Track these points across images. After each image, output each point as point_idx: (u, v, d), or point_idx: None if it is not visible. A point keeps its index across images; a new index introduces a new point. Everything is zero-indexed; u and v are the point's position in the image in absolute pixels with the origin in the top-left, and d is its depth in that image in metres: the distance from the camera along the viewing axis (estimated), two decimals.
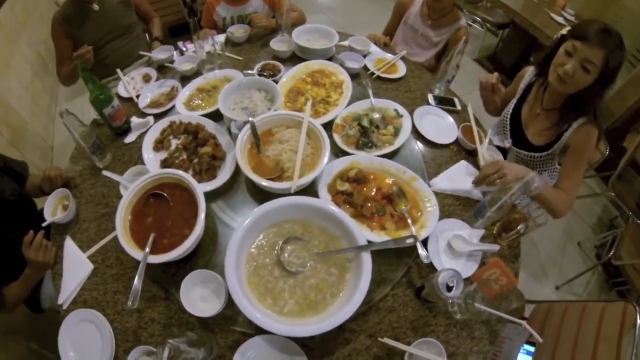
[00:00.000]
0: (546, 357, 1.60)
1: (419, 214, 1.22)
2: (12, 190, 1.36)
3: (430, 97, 1.61)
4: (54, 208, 1.30)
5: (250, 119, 1.23)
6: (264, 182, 1.13)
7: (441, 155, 1.44)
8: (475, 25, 3.74)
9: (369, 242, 1.06)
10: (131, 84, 1.67)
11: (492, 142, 1.50)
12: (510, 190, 1.20)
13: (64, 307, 1.14)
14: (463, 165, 1.40)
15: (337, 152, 1.33)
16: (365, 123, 1.38)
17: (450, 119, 1.54)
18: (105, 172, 1.27)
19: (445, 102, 1.60)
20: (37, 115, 2.84)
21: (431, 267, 1.21)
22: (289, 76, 1.60)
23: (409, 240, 1.06)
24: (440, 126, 1.50)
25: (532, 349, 1.62)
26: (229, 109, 1.34)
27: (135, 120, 1.47)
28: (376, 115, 1.42)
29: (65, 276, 1.18)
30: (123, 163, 1.40)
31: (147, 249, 1.04)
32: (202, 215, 1.06)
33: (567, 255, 2.38)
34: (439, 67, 1.73)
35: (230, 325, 1.07)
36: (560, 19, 2.99)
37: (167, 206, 1.15)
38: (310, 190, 1.24)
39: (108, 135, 1.49)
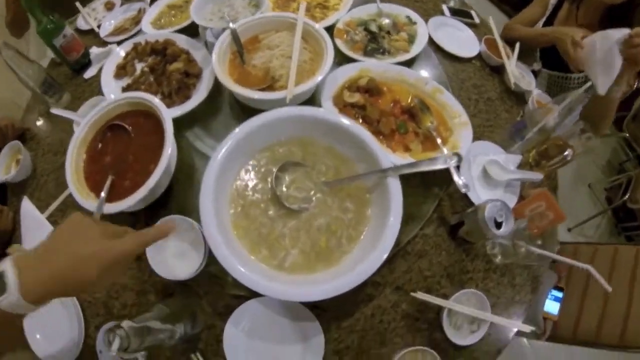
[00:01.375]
0: (575, 303, 1.25)
1: (447, 133, 0.79)
2: None
3: (444, 8, 1.13)
4: (6, 167, 0.89)
5: (231, 25, 0.79)
6: (251, 94, 0.70)
7: (463, 70, 0.99)
8: None
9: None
10: (92, 15, 1.18)
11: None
12: (553, 110, 0.81)
13: None
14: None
15: (341, 60, 0.88)
16: (373, 28, 0.93)
17: (469, 31, 1.08)
18: (54, 110, 0.85)
19: (461, 14, 1.13)
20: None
21: (465, 200, 0.82)
22: None
23: (451, 161, 0.67)
24: (459, 39, 1.04)
25: (560, 294, 1.27)
26: (206, 19, 0.89)
27: (95, 50, 1.03)
28: (386, 21, 0.96)
29: (24, 244, 0.79)
30: (83, 102, 0.95)
31: (103, 195, 0.64)
32: (169, 138, 0.65)
33: (578, 197, 1.96)
34: None
35: (218, 286, 0.68)
36: None
37: (128, 139, 0.73)
38: (310, 104, 0.79)
39: (66, 74, 1.05)
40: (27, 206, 0.85)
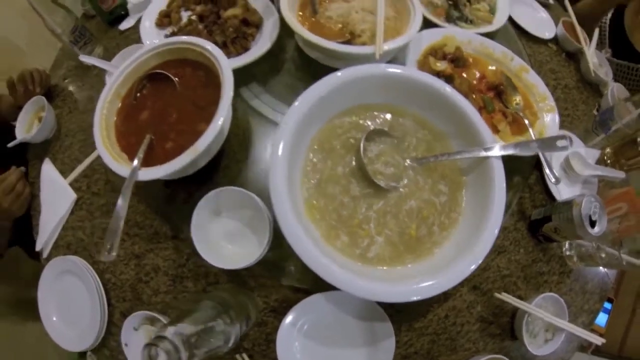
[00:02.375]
0: (624, 316, 1.21)
1: (533, 117, 0.69)
2: None
3: None
4: (28, 125, 0.77)
5: None
6: (333, 45, 0.57)
7: (540, 52, 0.88)
8: None
9: None
10: None
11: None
12: None
13: (44, 254, 0.65)
14: None
15: (422, 24, 0.69)
16: None
17: (544, 12, 0.97)
18: (83, 57, 0.73)
19: None
20: None
21: (545, 194, 0.72)
22: None
23: (562, 143, 0.59)
24: (534, 19, 0.94)
25: (608, 305, 1.23)
26: None
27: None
28: None
29: (44, 213, 0.69)
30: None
31: (137, 161, 0.51)
32: (228, 93, 0.52)
33: None
34: None
35: (274, 276, 0.56)
36: None
37: (171, 92, 0.59)
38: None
39: (100, 26, 0.91)
40: (48, 170, 0.73)
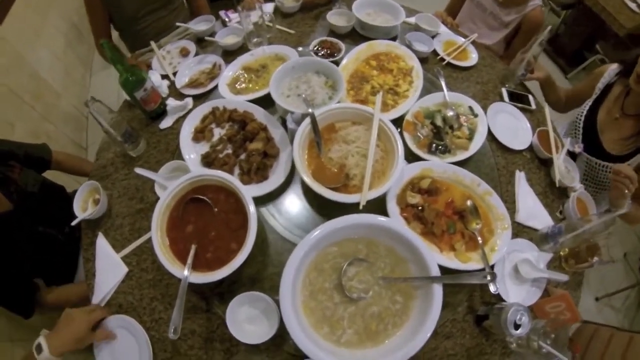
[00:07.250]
0: None
1: (489, 234, 1.05)
2: (34, 182, 1.24)
3: (504, 92, 1.38)
4: (83, 202, 1.16)
5: (311, 110, 1.03)
6: (329, 194, 0.95)
7: (513, 162, 1.24)
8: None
9: (440, 267, 0.91)
10: (167, 58, 1.43)
11: (567, 152, 1.33)
12: (592, 222, 1.03)
13: None
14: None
15: (407, 155, 1.11)
16: (438, 122, 1.18)
17: (525, 120, 1.32)
18: (137, 170, 1.10)
19: (519, 99, 1.38)
20: (71, 87, 2.63)
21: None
22: (351, 58, 1.35)
23: (488, 278, 0.92)
24: (514, 127, 1.30)
25: None
26: (283, 95, 1.14)
27: (172, 102, 1.27)
28: (450, 113, 1.20)
29: (99, 277, 1.08)
30: (159, 152, 1.23)
31: (187, 272, 0.88)
32: (252, 232, 0.90)
33: (611, 266, 2.20)
34: (510, 55, 1.51)
35: (279, 344, 0.95)
36: (633, 5, 2.59)
37: (210, 213, 0.98)
38: (376, 199, 1.02)
39: (141, 118, 1.30)
40: (102, 244, 1.12)
